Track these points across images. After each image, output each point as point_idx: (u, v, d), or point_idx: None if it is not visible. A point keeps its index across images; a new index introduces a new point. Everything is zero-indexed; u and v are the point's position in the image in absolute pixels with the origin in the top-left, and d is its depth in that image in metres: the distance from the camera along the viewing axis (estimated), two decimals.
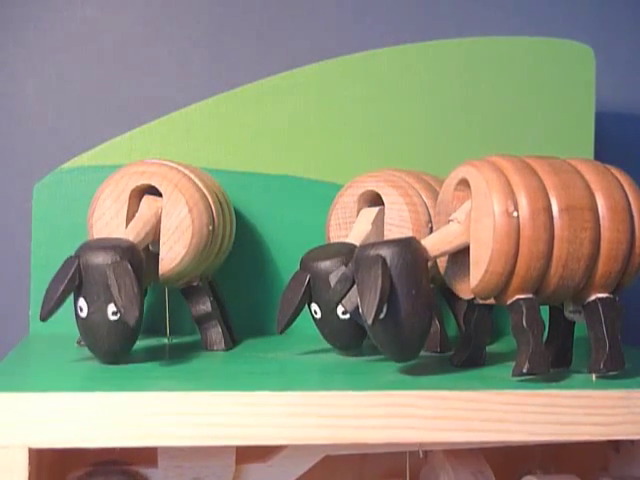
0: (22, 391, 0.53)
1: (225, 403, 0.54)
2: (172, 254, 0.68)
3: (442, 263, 0.65)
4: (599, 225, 0.61)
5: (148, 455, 0.72)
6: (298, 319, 0.68)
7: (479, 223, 0.60)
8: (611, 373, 0.61)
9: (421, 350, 0.61)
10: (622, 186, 0.63)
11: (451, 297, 0.79)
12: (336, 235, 0.75)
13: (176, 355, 0.69)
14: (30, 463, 0.53)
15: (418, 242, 0.60)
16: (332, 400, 0.55)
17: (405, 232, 0.71)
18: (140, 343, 0.74)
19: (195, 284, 0.72)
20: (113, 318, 0.61)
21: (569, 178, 0.61)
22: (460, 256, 0.63)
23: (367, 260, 0.58)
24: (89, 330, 0.62)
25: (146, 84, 0.89)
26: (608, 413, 0.57)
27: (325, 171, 0.84)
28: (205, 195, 0.70)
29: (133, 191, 0.69)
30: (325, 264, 0.67)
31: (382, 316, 0.57)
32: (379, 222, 0.72)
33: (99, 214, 0.69)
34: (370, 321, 0.56)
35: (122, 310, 0.60)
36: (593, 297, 0.62)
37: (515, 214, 0.59)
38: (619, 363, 0.61)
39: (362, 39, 0.90)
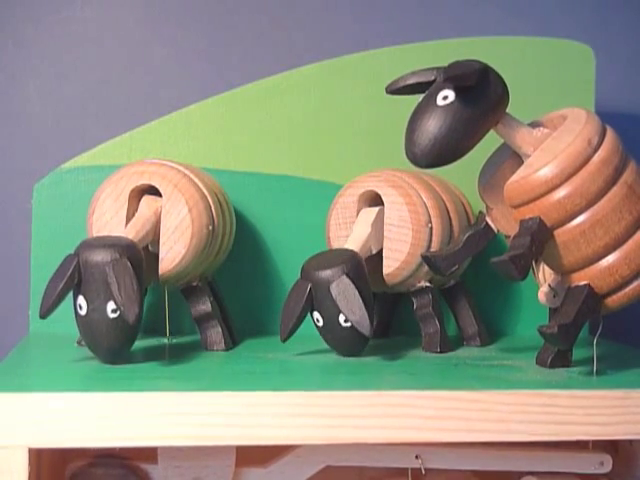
0: (22, 391, 0.53)
1: (225, 403, 0.54)
2: (172, 254, 0.68)
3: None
4: None
5: (148, 451, 0.72)
6: None
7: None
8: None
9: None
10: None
11: (451, 297, 0.79)
12: (336, 235, 0.75)
13: (176, 355, 0.69)
14: (30, 463, 0.53)
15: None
16: (332, 400, 0.55)
17: (405, 232, 0.71)
18: (140, 343, 0.74)
19: (195, 284, 0.72)
20: (112, 316, 0.61)
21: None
22: None
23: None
24: (88, 328, 0.62)
25: (146, 84, 0.89)
26: (607, 413, 0.57)
27: (325, 171, 0.84)
28: (205, 195, 0.70)
29: (133, 191, 0.69)
30: (326, 273, 0.67)
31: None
32: (379, 223, 0.72)
33: (99, 214, 0.69)
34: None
35: (122, 307, 0.60)
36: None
37: None
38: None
39: (362, 39, 0.90)
